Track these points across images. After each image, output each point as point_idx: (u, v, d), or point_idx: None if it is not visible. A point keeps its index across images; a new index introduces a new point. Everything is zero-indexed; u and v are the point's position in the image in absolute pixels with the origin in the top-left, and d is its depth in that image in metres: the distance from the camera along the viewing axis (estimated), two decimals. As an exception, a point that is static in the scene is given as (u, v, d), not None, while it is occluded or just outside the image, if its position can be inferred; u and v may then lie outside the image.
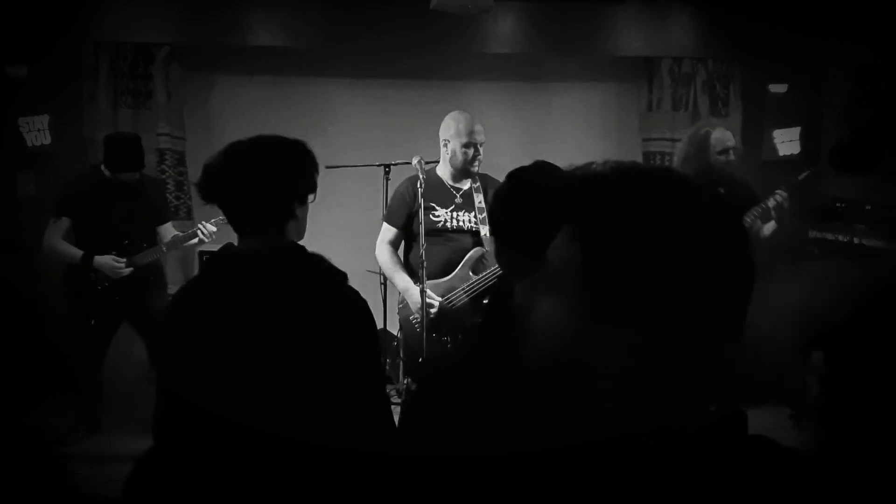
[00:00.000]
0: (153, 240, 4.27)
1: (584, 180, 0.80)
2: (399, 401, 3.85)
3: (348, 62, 5.50)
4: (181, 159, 5.33)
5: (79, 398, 4.26)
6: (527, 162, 1.71)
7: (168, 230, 4.33)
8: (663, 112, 5.62)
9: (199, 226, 4.11)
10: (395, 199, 3.82)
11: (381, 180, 4.40)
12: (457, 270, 3.68)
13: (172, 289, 4.34)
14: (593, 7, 5.45)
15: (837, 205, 4.68)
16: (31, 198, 5.09)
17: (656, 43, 5.59)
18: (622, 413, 0.75)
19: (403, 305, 3.77)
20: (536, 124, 5.73)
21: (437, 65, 5.55)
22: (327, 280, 1.77)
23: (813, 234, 4.72)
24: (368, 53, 5.44)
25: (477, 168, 3.73)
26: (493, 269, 3.57)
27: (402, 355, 4.01)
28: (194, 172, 5.10)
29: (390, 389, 4.20)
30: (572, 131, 5.71)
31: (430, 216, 3.66)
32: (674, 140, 5.57)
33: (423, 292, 3.50)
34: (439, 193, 3.72)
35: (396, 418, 1.56)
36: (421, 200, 3.53)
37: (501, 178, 1.72)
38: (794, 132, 5.69)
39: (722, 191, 3.68)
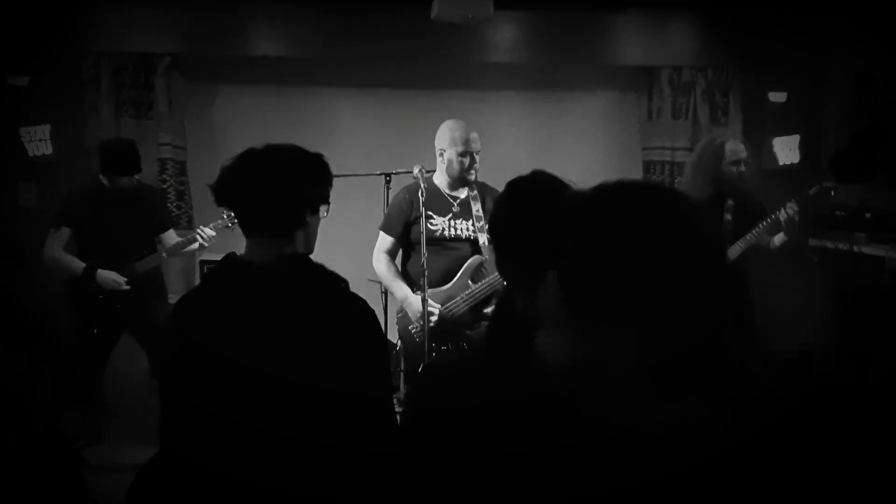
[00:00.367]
0: (154, 248, 4.27)
1: (579, 195, 0.84)
2: (400, 410, 3.83)
3: (350, 71, 5.51)
4: (182, 169, 5.32)
5: (80, 408, 4.25)
6: (527, 171, 1.72)
7: (170, 237, 4.32)
8: (663, 121, 5.64)
9: (198, 230, 4.12)
10: (392, 209, 3.82)
11: (381, 190, 4.41)
12: (456, 279, 3.68)
13: (174, 298, 4.34)
14: (593, 17, 5.48)
15: (837, 213, 4.69)
16: (33, 207, 5.09)
17: (656, 52, 5.62)
18: (630, 413, 0.76)
19: (402, 315, 3.77)
20: (537, 133, 5.74)
21: (439, 74, 5.56)
22: (331, 287, 1.79)
23: (813, 242, 4.72)
24: (370, 63, 5.45)
25: (474, 176, 3.72)
26: (492, 277, 3.58)
27: (402, 365, 4.00)
28: (195, 182, 5.21)
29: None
30: (573, 140, 5.73)
31: (428, 225, 3.65)
32: (674, 149, 5.60)
33: (424, 301, 3.50)
34: (436, 202, 3.72)
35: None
36: (423, 210, 3.54)
37: (501, 186, 1.73)
38: (794, 140, 5.70)
39: (731, 202, 3.73)
